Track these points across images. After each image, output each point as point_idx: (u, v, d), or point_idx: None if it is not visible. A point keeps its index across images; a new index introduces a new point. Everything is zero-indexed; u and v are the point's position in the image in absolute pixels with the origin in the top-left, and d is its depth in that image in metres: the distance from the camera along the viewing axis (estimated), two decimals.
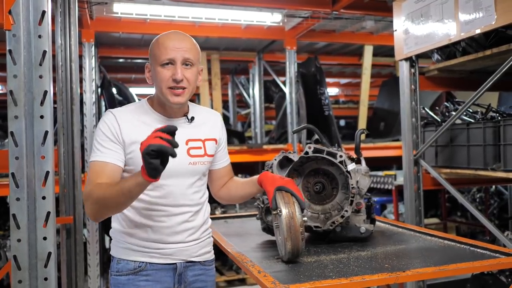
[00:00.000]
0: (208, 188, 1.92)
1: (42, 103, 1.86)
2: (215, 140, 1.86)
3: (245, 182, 1.92)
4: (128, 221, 1.73)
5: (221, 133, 1.91)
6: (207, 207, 1.86)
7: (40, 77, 1.86)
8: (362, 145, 2.18)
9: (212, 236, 2.23)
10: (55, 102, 2.23)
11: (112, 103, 5.40)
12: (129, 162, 1.69)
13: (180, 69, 1.66)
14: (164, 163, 1.36)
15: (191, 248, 1.77)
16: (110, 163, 1.64)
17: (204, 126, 1.84)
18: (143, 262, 1.72)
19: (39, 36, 1.86)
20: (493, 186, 5.74)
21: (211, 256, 1.87)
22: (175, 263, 1.74)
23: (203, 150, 1.80)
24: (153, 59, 1.71)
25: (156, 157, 1.33)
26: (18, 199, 1.83)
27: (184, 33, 1.75)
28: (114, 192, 1.50)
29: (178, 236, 1.74)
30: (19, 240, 1.83)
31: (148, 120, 1.73)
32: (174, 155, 1.33)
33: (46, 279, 1.85)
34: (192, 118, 1.80)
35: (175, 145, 1.34)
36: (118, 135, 1.67)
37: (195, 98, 9.62)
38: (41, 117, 1.86)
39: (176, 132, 1.69)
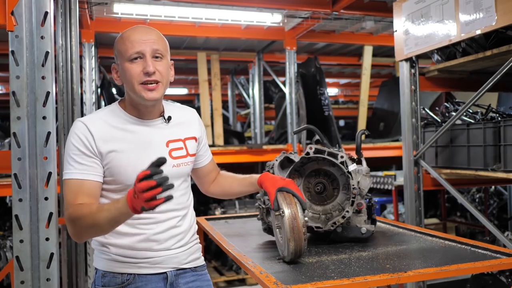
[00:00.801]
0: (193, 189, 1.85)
1: (44, 104, 1.86)
2: (195, 138, 1.78)
3: (242, 180, 1.89)
4: (112, 231, 1.60)
5: (200, 130, 1.82)
6: (193, 212, 1.80)
7: (43, 78, 1.86)
8: (362, 145, 2.18)
9: (213, 237, 2.23)
10: (56, 102, 2.23)
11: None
12: (108, 172, 1.58)
13: (150, 62, 1.57)
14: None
15: (180, 255, 1.68)
16: (87, 180, 1.54)
17: (182, 125, 1.75)
18: (131, 274, 1.61)
19: (42, 37, 1.86)
20: (493, 187, 5.75)
21: (201, 262, 1.80)
22: (165, 272, 1.65)
23: (184, 150, 1.72)
24: (120, 57, 1.61)
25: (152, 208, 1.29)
26: (20, 200, 1.84)
27: (149, 27, 1.67)
28: (98, 221, 1.43)
29: (166, 243, 1.65)
30: (21, 241, 1.84)
31: (122, 125, 1.63)
32: (171, 187, 1.27)
33: (48, 279, 1.86)
34: (169, 118, 1.71)
35: (165, 181, 1.26)
36: (93, 148, 1.56)
37: (195, 98, 9.64)
38: (44, 118, 1.86)
39: (155, 134, 1.62)
